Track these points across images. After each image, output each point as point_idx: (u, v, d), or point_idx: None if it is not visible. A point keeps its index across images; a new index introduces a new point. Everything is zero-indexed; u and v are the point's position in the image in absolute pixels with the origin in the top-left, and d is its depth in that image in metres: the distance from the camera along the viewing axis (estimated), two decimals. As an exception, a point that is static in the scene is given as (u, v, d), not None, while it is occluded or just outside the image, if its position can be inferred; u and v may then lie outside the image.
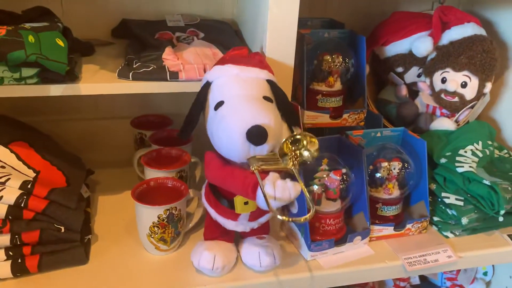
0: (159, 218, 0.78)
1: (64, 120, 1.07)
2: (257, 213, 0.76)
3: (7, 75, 0.69)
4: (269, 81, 0.73)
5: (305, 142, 0.67)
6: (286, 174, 0.72)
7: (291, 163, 0.67)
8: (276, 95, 0.72)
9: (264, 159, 0.67)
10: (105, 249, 0.83)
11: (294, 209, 0.84)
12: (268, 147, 0.67)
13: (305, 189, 0.67)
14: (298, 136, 0.67)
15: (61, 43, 0.70)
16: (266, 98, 0.70)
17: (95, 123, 1.10)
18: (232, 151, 0.67)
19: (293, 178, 0.67)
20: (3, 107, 0.97)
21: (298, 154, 0.67)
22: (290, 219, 0.65)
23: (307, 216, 0.64)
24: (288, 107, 0.74)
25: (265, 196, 0.63)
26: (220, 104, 0.69)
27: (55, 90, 0.73)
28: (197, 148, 0.97)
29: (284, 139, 0.67)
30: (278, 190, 0.63)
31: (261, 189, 0.63)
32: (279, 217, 0.63)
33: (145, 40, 0.90)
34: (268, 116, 0.66)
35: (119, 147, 1.09)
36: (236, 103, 0.68)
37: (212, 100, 0.71)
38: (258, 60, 0.75)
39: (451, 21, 1.02)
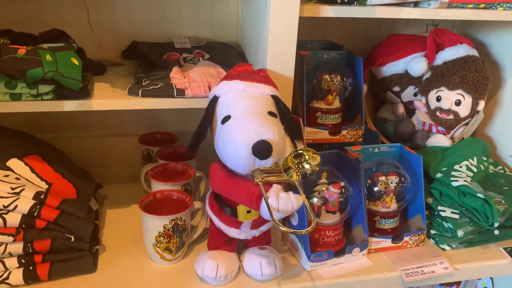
0: (164, 228, 0.82)
1: (76, 137, 1.13)
2: (258, 222, 0.79)
3: (25, 92, 0.74)
4: (273, 97, 0.76)
5: (307, 157, 0.70)
6: (287, 186, 0.75)
7: (295, 176, 0.70)
8: (280, 110, 0.76)
9: (268, 171, 0.71)
10: (113, 259, 0.86)
11: (295, 221, 0.87)
12: (272, 161, 0.70)
13: (307, 202, 0.70)
14: (301, 151, 0.70)
15: (76, 62, 0.75)
16: (270, 113, 0.73)
17: (104, 140, 1.15)
18: (238, 164, 0.71)
19: (295, 190, 0.71)
20: (19, 124, 1.02)
21: (301, 167, 0.71)
22: (292, 231, 0.69)
23: (309, 228, 0.67)
24: (291, 121, 0.78)
25: (269, 207, 0.66)
26: (227, 118, 0.72)
27: (69, 105, 0.77)
28: (202, 163, 1.01)
29: (288, 153, 0.70)
30: (282, 202, 0.66)
31: (265, 200, 0.67)
32: (282, 228, 0.66)
33: (153, 60, 0.96)
34: (272, 131, 0.69)
35: (127, 163, 1.14)
36: (242, 118, 0.71)
37: (220, 114, 0.74)
38: (262, 76, 0.79)
39: (445, 43, 1.07)
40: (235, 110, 0.72)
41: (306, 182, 0.84)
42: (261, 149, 0.68)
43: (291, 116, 0.79)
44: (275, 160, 0.71)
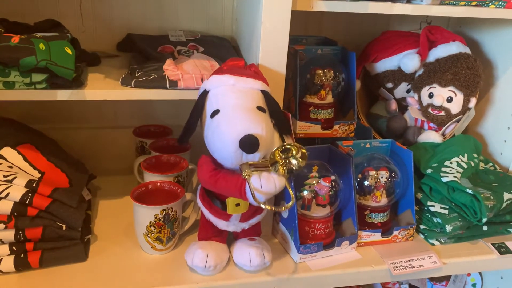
0: (155, 218, 0.82)
1: (70, 129, 1.13)
2: (248, 215, 0.80)
3: (18, 80, 0.75)
4: (263, 92, 0.77)
5: (294, 152, 0.71)
6: None
7: (282, 170, 0.71)
8: (269, 105, 0.77)
9: (255, 165, 0.71)
10: (104, 248, 0.87)
11: (285, 214, 0.88)
12: (260, 155, 0.71)
13: (288, 185, 0.72)
14: (288, 146, 0.71)
15: (69, 51, 0.76)
16: (259, 108, 0.74)
17: (99, 131, 1.15)
18: (225, 158, 0.72)
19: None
20: (13, 114, 1.02)
21: (288, 162, 0.71)
22: (273, 208, 0.71)
23: (287, 205, 0.71)
24: (280, 116, 0.78)
25: (251, 188, 0.68)
26: (216, 112, 0.73)
27: (62, 95, 0.78)
28: (195, 156, 1.01)
29: (275, 148, 0.71)
30: (264, 180, 0.69)
31: (248, 184, 0.68)
32: (262, 205, 0.69)
33: (148, 52, 0.96)
34: (260, 126, 0.70)
35: (121, 155, 1.14)
36: (231, 113, 0.72)
37: (209, 108, 0.75)
38: (253, 71, 0.80)
39: (438, 40, 1.07)
40: (224, 104, 0.73)
41: (297, 175, 0.85)
42: (248, 144, 0.68)
43: (280, 111, 0.79)
44: (262, 155, 0.71)
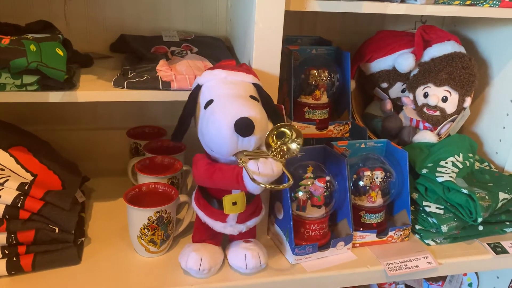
0: (149, 220, 0.82)
1: (63, 130, 1.12)
2: (245, 216, 0.80)
3: (9, 82, 0.74)
4: (255, 85, 0.77)
5: (289, 133, 0.71)
6: None
7: (278, 156, 0.71)
8: (261, 97, 0.77)
9: (251, 154, 0.71)
10: (97, 251, 0.86)
11: (280, 215, 0.88)
12: (255, 140, 0.70)
13: (285, 169, 0.72)
14: (282, 129, 0.70)
15: (60, 52, 0.75)
16: (252, 97, 0.74)
17: (93, 133, 1.15)
18: (221, 144, 0.70)
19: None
20: (5, 115, 1.01)
21: (285, 149, 0.71)
22: (272, 186, 0.71)
23: (286, 184, 0.71)
24: (273, 107, 0.78)
25: (249, 172, 0.68)
26: (209, 102, 0.73)
27: (54, 96, 0.77)
28: (190, 157, 1.01)
29: (268, 133, 0.70)
30: (261, 164, 0.69)
31: (246, 171, 0.69)
32: (262, 185, 0.69)
33: (141, 53, 0.96)
34: (254, 110, 0.70)
35: (114, 157, 1.13)
36: (225, 100, 0.72)
37: (203, 100, 0.75)
38: (245, 67, 0.80)
39: (432, 39, 1.07)
40: (218, 94, 0.73)
41: (292, 176, 0.84)
42: (244, 125, 0.68)
43: (273, 103, 0.79)
44: (258, 140, 0.71)
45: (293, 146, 0.72)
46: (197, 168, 0.76)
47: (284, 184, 0.73)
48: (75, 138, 1.13)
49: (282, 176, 0.74)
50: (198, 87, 0.77)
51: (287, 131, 0.71)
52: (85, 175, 1.03)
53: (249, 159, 0.70)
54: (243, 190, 0.74)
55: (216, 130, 0.70)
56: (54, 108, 1.10)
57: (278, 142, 0.71)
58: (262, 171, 0.69)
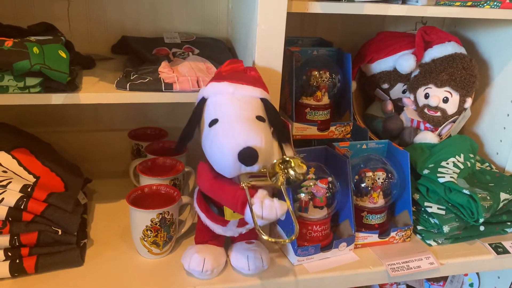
0: (152, 221, 0.82)
1: (65, 132, 1.12)
2: (245, 220, 0.79)
3: (12, 84, 0.74)
4: (262, 100, 0.76)
5: (293, 164, 0.70)
6: (273, 190, 0.76)
7: (281, 179, 0.70)
8: (268, 113, 0.75)
9: (254, 175, 0.70)
10: (100, 252, 0.87)
11: (282, 216, 0.88)
12: (258, 167, 0.70)
13: (291, 210, 0.71)
14: (288, 159, 0.70)
15: (63, 54, 0.75)
16: (258, 117, 0.72)
17: (94, 134, 1.15)
18: (224, 168, 0.70)
19: (280, 196, 0.71)
20: (7, 117, 1.01)
21: (287, 173, 0.70)
22: (274, 240, 0.72)
23: (292, 237, 0.69)
24: (279, 124, 0.77)
25: (253, 215, 0.67)
26: (214, 122, 0.72)
27: (57, 98, 0.77)
28: (191, 158, 1.01)
29: (275, 160, 0.69)
30: (266, 209, 0.67)
31: (249, 207, 0.67)
32: (264, 237, 0.67)
33: (143, 55, 0.96)
34: (259, 137, 0.69)
35: (116, 158, 1.14)
36: (229, 123, 0.70)
37: (207, 116, 0.74)
38: (253, 77, 0.78)
39: (433, 40, 1.07)
40: (223, 113, 0.72)
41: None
42: (247, 157, 0.67)
43: (280, 120, 0.78)
44: (261, 166, 0.70)
45: (296, 175, 0.70)
46: (201, 181, 0.76)
47: (290, 238, 0.70)
48: (76, 140, 1.13)
49: (287, 215, 0.73)
50: (203, 101, 0.75)
51: (292, 160, 0.70)
52: (87, 176, 1.03)
53: (251, 181, 0.69)
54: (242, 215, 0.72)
55: (219, 155, 0.69)
56: (55, 110, 1.10)
57: (282, 167, 0.70)
58: (266, 216, 0.67)
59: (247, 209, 0.68)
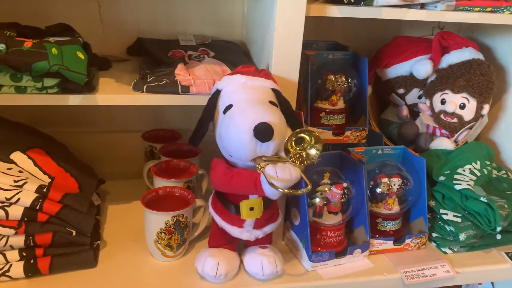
0: (166, 224, 0.82)
1: (80, 133, 1.13)
2: (262, 221, 0.79)
3: (30, 85, 0.74)
4: (274, 90, 0.77)
5: (308, 139, 0.70)
6: None
7: (297, 162, 0.70)
8: (280, 102, 0.77)
9: (269, 160, 0.71)
10: (113, 254, 0.86)
11: (297, 221, 0.87)
12: (274, 145, 0.70)
13: (303, 174, 0.72)
14: (301, 135, 0.70)
15: (81, 56, 0.75)
16: (271, 102, 0.74)
17: (108, 136, 1.15)
18: (240, 149, 0.71)
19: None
20: (23, 117, 1.02)
21: (304, 155, 0.70)
22: (291, 191, 0.70)
23: (304, 189, 0.71)
24: (292, 113, 0.78)
25: (267, 177, 0.68)
26: (229, 107, 0.73)
27: (74, 99, 0.77)
28: (205, 161, 1.01)
29: (287, 137, 0.69)
30: (279, 169, 0.69)
31: (263, 175, 0.69)
32: (280, 189, 0.68)
33: (159, 57, 0.95)
34: (274, 115, 0.70)
35: (130, 160, 1.13)
36: (244, 105, 0.72)
37: (222, 105, 0.75)
38: (264, 73, 0.80)
39: (450, 46, 1.06)
40: (237, 99, 0.73)
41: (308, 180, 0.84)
42: (263, 131, 0.68)
43: (292, 109, 0.79)
44: (277, 145, 0.71)
45: (312, 152, 0.71)
46: (215, 173, 0.76)
47: (302, 190, 0.72)
48: (90, 141, 1.13)
49: (300, 181, 0.74)
50: (218, 92, 0.77)
51: (307, 137, 0.70)
52: (101, 177, 1.03)
53: (267, 164, 0.70)
54: (260, 195, 0.74)
55: (235, 134, 0.70)
56: (70, 111, 1.10)
57: (297, 148, 0.70)
58: (280, 176, 0.69)
59: (262, 177, 0.69)
